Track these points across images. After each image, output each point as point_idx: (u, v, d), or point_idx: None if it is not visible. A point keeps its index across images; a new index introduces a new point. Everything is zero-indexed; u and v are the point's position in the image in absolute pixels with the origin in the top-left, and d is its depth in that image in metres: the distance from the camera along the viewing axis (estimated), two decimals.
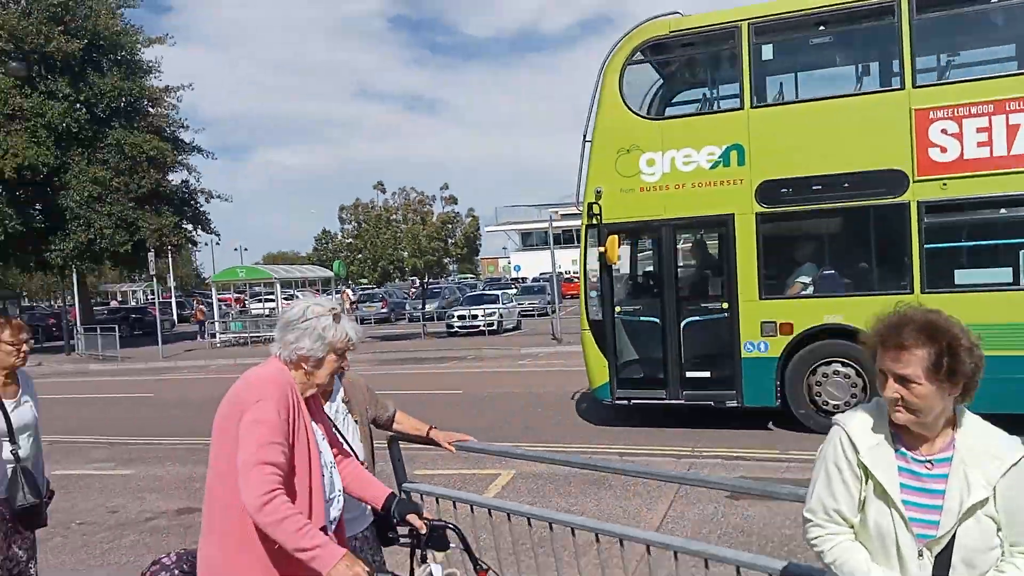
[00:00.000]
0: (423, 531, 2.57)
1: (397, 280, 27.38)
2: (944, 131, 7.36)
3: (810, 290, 8.13)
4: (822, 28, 8.48)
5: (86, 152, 26.45)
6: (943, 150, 7.37)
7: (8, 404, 3.65)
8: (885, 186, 7.61)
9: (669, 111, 9.88)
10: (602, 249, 8.48)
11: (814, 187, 7.88)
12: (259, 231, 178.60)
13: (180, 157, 29.15)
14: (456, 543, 2.68)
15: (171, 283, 50.00)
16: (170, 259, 42.73)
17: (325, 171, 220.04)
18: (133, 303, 54.52)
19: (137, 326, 33.97)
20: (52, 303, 51.99)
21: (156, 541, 5.86)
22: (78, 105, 25.98)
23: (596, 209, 8.57)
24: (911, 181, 7.47)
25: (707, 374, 8.39)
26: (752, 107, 8.12)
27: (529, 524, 3.14)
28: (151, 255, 24.46)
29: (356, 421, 2.96)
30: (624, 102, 8.59)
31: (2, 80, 24.64)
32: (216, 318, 29.40)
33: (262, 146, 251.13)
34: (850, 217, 8.04)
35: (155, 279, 27.44)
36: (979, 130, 7.27)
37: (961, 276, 7.56)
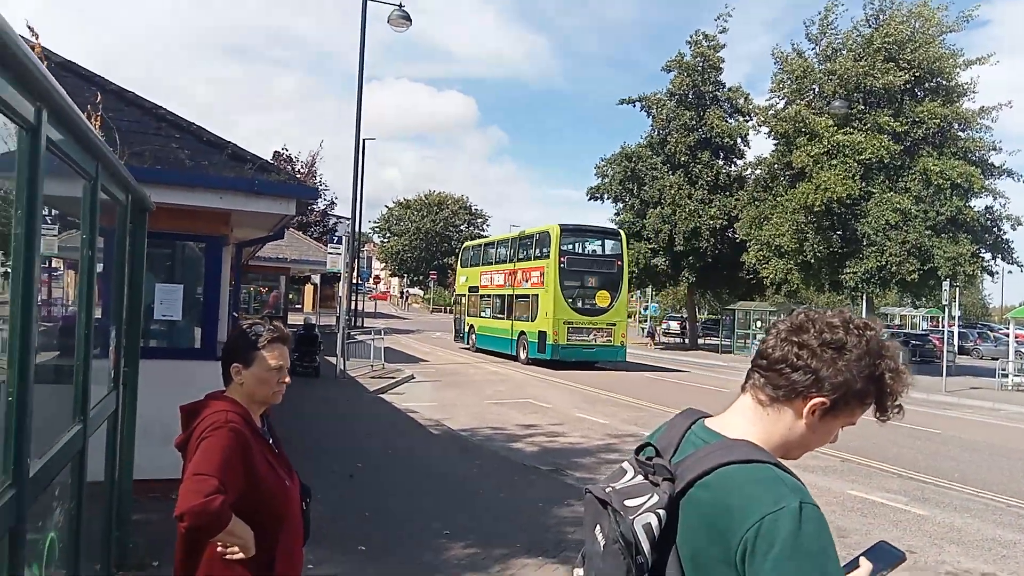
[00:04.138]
0: None
1: None
2: (481, 277, 29.38)
3: (485, 314, 28.38)
4: (492, 244, 31.18)
5: (890, 181, 27.27)
6: (482, 281, 29.16)
7: None
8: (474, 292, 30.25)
9: (466, 264, 32.00)
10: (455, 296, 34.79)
11: (477, 289, 29.40)
12: None
13: (987, 182, 27.18)
14: None
15: (955, 312, 47.36)
16: (957, 288, 40.66)
17: None
18: (909, 328, 53.96)
19: (916, 353, 33.50)
20: None
21: None
22: (890, 136, 26.97)
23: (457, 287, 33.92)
24: (474, 288, 30.21)
25: (460, 333, 31.33)
26: (467, 268, 31.35)
27: None
28: (945, 284, 23.59)
29: None
30: (460, 261, 32.90)
31: (823, 121, 27.49)
32: (1010, 358, 26.45)
33: None
34: (508, 297, 26.74)
35: (945, 308, 26.30)
36: (492, 278, 28.43)
37: (485, 315, 28.64)
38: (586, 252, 24.94)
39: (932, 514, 8.07)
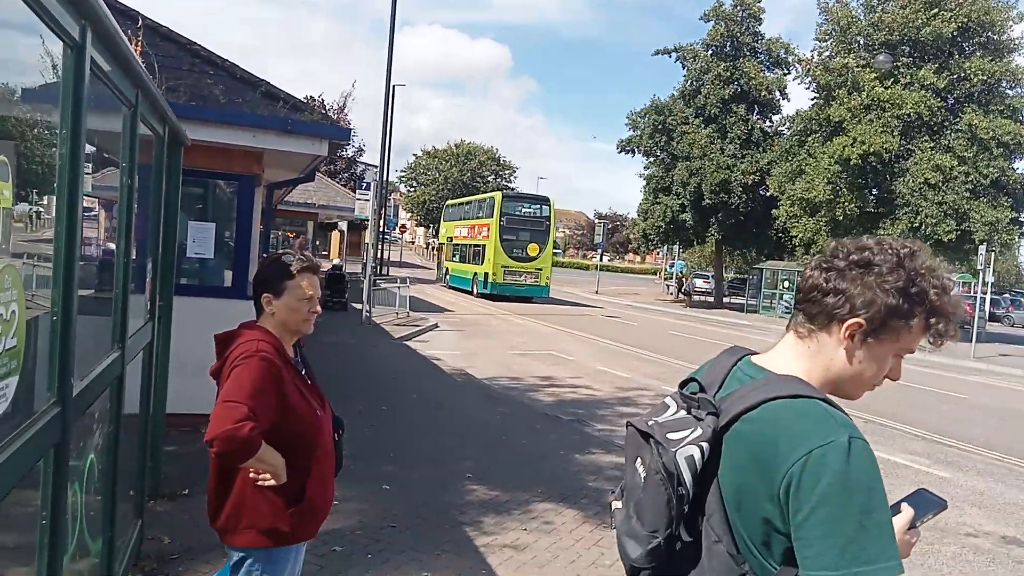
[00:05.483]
0: None
1: None
2: (455, 230, 36.16)
3: (455, 259, 36.03)
4: (463, 204, 38.43)
5: (932, 138, 26.55)
6: (455, 233, 35.98)
7: None
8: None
9: (447, 219, 39.50)
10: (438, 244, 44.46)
11: (452, 239, 36.52)
12: None
13: None
14: None
15: (988, 278, 46.43)
16: (992, 254, 39.84)
17: None
18: None
19: None
20: None
21: (979, 561, 5.57)
22: (934, 92, 26.16)
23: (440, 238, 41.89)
24: (450, 238, 36.95)
25: (439, 274, 39.96)
26: (447, 222, 38.50)
27: None
28: (982, 249, 23.09)
29: None
30: (443, 216, 40.47)
31: (865, 73, 26.69)
32: None
33: None
34: (469, 246, 33.89)
35: (978, 274, 25.78)
36: (461, 231, 34.96)
37: (455, 260, 36.13)
38: (522, 213, 31.55)
39: (954, 477, 8.05)
